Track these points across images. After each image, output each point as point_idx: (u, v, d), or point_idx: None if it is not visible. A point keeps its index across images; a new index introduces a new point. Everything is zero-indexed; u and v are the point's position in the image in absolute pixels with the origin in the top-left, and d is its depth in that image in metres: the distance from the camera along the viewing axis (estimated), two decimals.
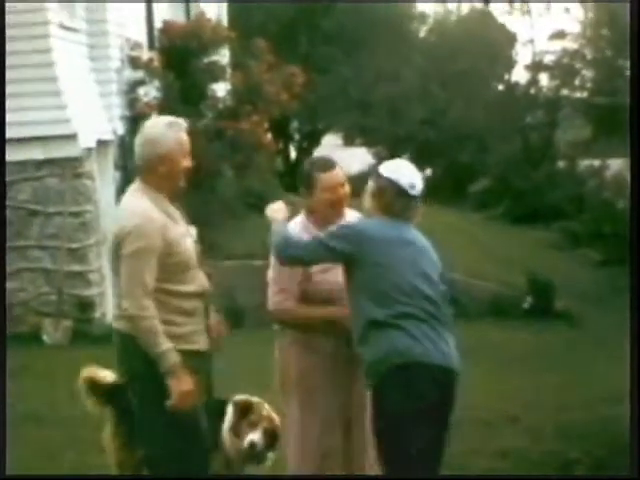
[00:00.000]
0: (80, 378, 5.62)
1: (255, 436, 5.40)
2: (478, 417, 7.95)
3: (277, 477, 5.21)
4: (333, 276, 5.00)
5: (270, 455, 5.47)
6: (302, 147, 31.42)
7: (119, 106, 14.61)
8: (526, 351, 13.23)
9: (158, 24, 16.55)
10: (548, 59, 31.83)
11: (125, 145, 14.08)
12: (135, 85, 15.13)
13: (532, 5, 32.21)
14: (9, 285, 12.01)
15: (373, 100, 29.87)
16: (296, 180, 5.66)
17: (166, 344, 4.56)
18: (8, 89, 11.89)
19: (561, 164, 29.69)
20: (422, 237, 4.94)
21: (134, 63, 15.13)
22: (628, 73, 24.79)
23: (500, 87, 34.27)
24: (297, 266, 5.00)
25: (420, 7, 36.12)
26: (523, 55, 34.68)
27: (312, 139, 31.56)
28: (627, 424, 5.72)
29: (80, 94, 13.31)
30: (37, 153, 12.67)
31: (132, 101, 14.98)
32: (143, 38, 15.99)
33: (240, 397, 5.57)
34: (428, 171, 32.04)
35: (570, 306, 17.27)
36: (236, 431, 5.49)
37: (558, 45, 31.72)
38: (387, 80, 29.76)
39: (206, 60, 16.30)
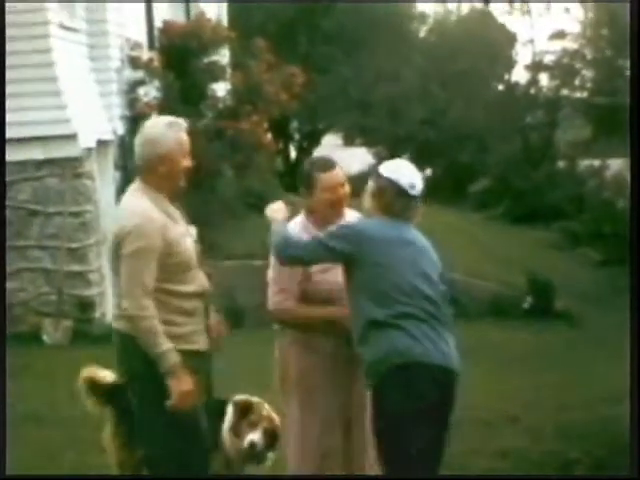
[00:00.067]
0: (80, 378, 5.62)
1: (255, 436, 5.41)
2: (478, 417, 7.94)
3: (277, 477, 5.21)
4: (333, 276, 5.00)
5: (270, 455, 5.47)
6: (302, 147, 31.42)
7: (119, 106, 14.61)
8: (526, 351, 13.23)
9: (158, 24, 16.55)
10: (548, 59, 31.85)
11: (125, 145, 14.08)
12: (135, 85, 15.13)
13: (532, 5, 32.23)
14: (9, 285, 12.00)
15: (373, 100, 29.87)
16: (296, 180, 5.66)
17: (166, 344, 4.55)
18: (8, 89, 11.89)
19: (561, 164, 29.69)
20: (422, 237, 4.94)
21: (134, 63, 15.14)
22: (628, 73, 24.81)
23: (500, 87, 34.27)
24: (297, 266, 5.00)
25: (420, 7, 36.17)
26: (523, 55, 34.72)
27: (312, 139, 31.56)
28: (627, 424, 5.72)
29: (80, 94, 13.31)
30: (37, 153, 12.67)
31: (132, 101, 14.98)
32: (143, 38, 15.99)
33: (240, 397, 5.57)
34: (428, 171, 32.03)
35: (570, 306, 17.28)
36: (236, 431, 5.49)
37: (558, 45, 31.75)
38: (387, 80, 29.76)
39: (206, 60, 16.30)
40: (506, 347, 13.31)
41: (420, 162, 29.57)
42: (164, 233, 4.63)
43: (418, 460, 4.68)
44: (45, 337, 12.45)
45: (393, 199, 4.85)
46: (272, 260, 5.13)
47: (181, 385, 4.58)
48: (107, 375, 5.56)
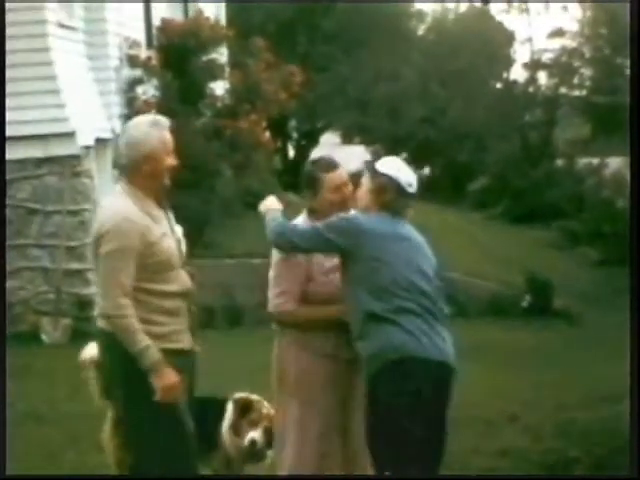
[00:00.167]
0: (84, 354, 5.55)
1: (256, 434, 5.41)
2: (477, 416, 7.94)
3: (277, 477, 5.20)
4: (334, 278, 5.00)
5: (270, 453, 5.47)
6: (300, 146, 31.42)
7: (118, 104, 14.61)
8: (525, 350, 13.23)
9: (156, 23, 16.54)
10: (546, 57, 31.81)
11: None
12: (134, 83, 15.13)
13: (530, 3, 32.22)
14: (8, 284, 12.00)
15: (372, 99, 29.87)
16: (296, 180, 5.64)
17: (145, 341, 4.57)
18: (7, 88, 11.88)
19: (560, 162, 29.68)
20: (417, 233, 4.98)
21: (132, 62, 15.13)
22: (627, 71, 24.83)
23: (498, 85, 34.25)
24: (293, 252, 4.98)
25: (418, 5, 36.13)
26: (521, 53, 34.72)
27: (310, 138, 31.56)
28: (627, 423, 5.72)
29: (79, 93, 13.31)
30: (36, 151, 12.67)
31: (131, 99, 14.97)
32: (141, 37, 15.99)
33: (240, 395, 5.57)
34: (427, 170, 32.07)
35: (569, 305, 17.30)
36: (236, 429, 5.49)
37: (556, 43, 31.74)
38: (386, 79, 29.76)
39: (204, 59, 16.30)
40: (505, 346, 13.31)
41: (419, 161, 29.65)
42: (144, 233, 4.65)
43: (414, 457, 4.68)
44: (44, 336, 12.45)
45: (393, 196, 4.88)
46: (273, 260, 5.12)
47: (164, 380, 4.59)
48: None
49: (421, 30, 35.71)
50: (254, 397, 5.58)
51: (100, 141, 13.61)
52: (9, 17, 11.81)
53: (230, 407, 5.56)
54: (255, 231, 12.27)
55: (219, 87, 17.01)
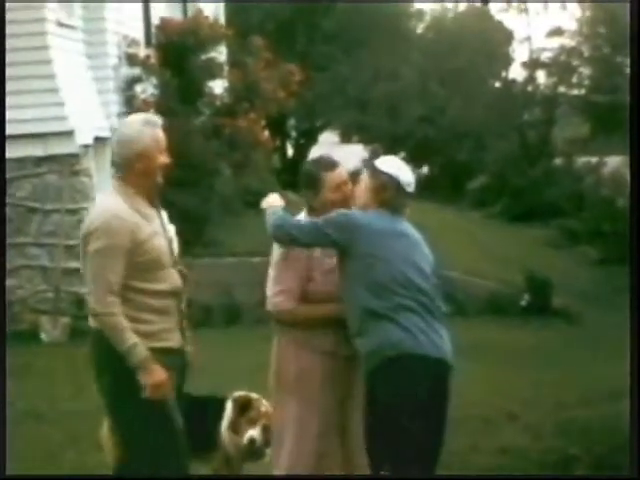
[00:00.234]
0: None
1: (254, 432, 5.41)
2: (477, 414, 7.94)
3: (277, 477, 5.19)
4: (334, 277, 4.99)
5: (268, 451, 5.46)
6: (299, 144, 31.43)
7: (116, 103, 14.60)
8: (524, 348, 13.23)
9: (155, 21, 16.53)
10: (545, 56, 31.85)
11: None
12: (132, 82, 15.12)
13: (529, 3, 32.25)
14: (7, 282, 11.99)
15: (371, 98, 29.88)
16: (296, 180, 5.63)
17: (132, 339, 4.56)
18: (6, 86, 11.88)
19: (559, 161, 29.69)
20: (415, 231, 4.99)
21: (131, 60, 15.12)
22: (626, 70, 24.84)
23: (497, 84, 34.28)
24: (292, 246, 4.98)
25: (417, 4, 36.16)
26: (520, 52, 34.80)
27: (309, 137, 31.57)
28: (627, 421, 5.71)
29: (78, 91, 13.31)
30: (36, 150, 12.67)
31: (129, 98, 14.96)
32: (140, 35, 15.98)
33: (239, 393, 5.57)
34: (425, 169, 32.07)
35: (568, 304, 17.29)
36: (235, 428, 5.49)
37: (555, 42, 31.79)
38: (385, 78, 29.76)
39: (203, 57, 16.28)
40: (504, 345, 13.31)
41: (418, 160, 29.67)
42: (133, 231, 4.64)
43: (411, 454, 4.68)
44: (43, 335, 12.44)
45: (392, 195, 4.90)
46: (273, 259, 5.12)
47: (152, 377, 4.58)
48: None
49: (420, 29, 35.74)
50: (253, 395, 5.58)
51: (99, 140, 13.60)
52: (9, 15, 11.81)
53: (229, 405, 5.56)
54: (255, 230, 12.29)
55: (218, 86, 17.01)
